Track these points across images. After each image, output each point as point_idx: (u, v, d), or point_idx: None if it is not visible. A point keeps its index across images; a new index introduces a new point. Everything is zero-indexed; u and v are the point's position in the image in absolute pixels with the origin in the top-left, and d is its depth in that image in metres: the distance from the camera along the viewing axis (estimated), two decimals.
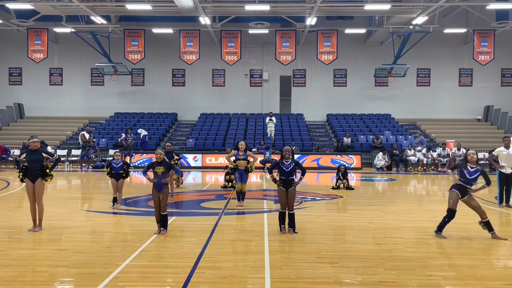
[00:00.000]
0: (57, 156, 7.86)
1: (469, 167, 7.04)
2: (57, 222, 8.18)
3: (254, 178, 16.83)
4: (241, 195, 10.10)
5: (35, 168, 7.30)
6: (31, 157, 7.33)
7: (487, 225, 7.04)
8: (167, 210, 7.37)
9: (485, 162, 20.43)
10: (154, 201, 7.27)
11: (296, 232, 7.28)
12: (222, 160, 21.26)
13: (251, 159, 10.12)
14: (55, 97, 28.55)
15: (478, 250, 6.44)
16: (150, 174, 7.34)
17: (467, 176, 7.01)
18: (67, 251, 6.19)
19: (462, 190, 7.03)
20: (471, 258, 6.01)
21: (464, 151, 19.32)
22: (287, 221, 7.33)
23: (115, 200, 9.92)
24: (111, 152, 20.89)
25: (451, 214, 7.08)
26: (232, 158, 10.26)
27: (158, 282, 5.01)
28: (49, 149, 20.29)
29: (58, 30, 25.55)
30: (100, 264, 5.56)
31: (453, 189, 7.14)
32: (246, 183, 10.20)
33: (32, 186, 7.33)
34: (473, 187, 7.09)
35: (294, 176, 7.33)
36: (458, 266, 5.69)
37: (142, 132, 23.28)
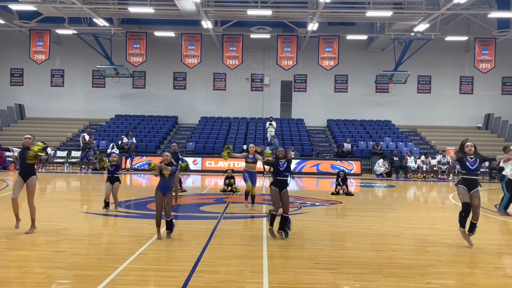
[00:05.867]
0: (47, 156, 7.77)
1: (469, 159, 6.96)
2: (55, 223, 8.16)
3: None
4: (251, 198, 10.20)
5: (27, 165, 7.28)
6: (23, 154, 7.29)
7: (471, 226, 6.94)
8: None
9: (485, 170, 20.41)
10: (157, 203, 7.04)
11: (286, 238, 7.22)
12: (222, 164, 21.26)
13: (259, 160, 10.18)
14: (56, 99, 28.56)
15: (478, 258, 6.41)
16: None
17: (470, 167, 6.92)
18: (65, 253, 6.17)
19: (469, 184, 6.91)
20: (471, 266, 5.99)
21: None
22: (276, 224, 7.31)
23: (107, 204, 9.61)
24: (110, 150, 20.82)
25: (465, 207, 6.92)
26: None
27: (156, 285, 4.99)
28: (49, 150, 20.26)
29: (60, 31, 25.61)
30: (98, 267, 5.54)
31: (458, 185, 7.04)
32: (255, 186, 10.25)
33: (22, 183, 7.29)
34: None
35: (288, 178, 7.40)
36: (457, 274, 5.67)
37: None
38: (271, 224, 7.31)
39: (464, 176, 7.02)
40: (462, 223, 6.99)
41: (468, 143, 7.10)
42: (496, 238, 8.05)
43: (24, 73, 28.69)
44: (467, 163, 6.95)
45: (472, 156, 6.97)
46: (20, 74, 28.77)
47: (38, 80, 28.58)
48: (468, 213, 6.92)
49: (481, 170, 20.15)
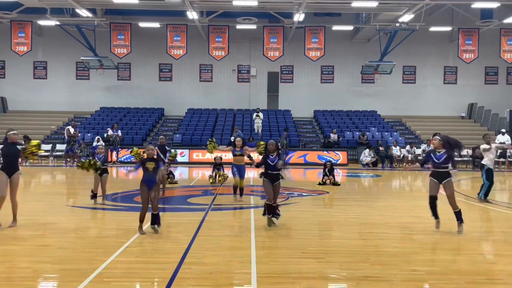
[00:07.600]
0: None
1: (436, 152, 7.24)
2: (41, 217, 8.08)
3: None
4: (239, 191, 10.14)
5: (11, 161, 7.19)
6: (8, 150, 7.19)
7: (457, 215, 7.14)
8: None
9: (468, 159, 20.77)
10: (142, 197, 6.86)
11: (277, 216, 7.41)
12: (209, 155, 21.16)
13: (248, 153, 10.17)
14: (39, 91, 28.06)
15: (462, 245, 6.54)
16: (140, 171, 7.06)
17: (436, 160, 7.20)
18: (51, 247, 6.12)
19: (438, 176, 7.16)
20: (455, 254, 6.11)
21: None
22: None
23: (94, 196, 9.52)
24: (95, 143, 20.61)
25: (430, 200, 7.27)
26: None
27: (144, 278, 4.98)
28: None
29: (42, 22, 25.09)
30: (85, 260, 5.51)
31: (430, 177, 7.35)
32: (244, 179, 10.24)
33: (7, 179, 7.15)
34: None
35: (280, 171, 7.51)
36: (441, 261, 5.78)
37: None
38: (269, 213, 7.40)
39: (433, 169, 7.28)
40: (433, 214, 7.26)
41: (436, 136, 7.41)
42: (478, 225, 8.23)
43: (5, 65, 28.11)
44: (434, 157, 7.25)
45: (440, 150, 7.20)
46: (1, 66, 28.17)
47: (21, 72, 28.01)
48: (433, 205, 7.23)
49: (465, 159, 20.66)
